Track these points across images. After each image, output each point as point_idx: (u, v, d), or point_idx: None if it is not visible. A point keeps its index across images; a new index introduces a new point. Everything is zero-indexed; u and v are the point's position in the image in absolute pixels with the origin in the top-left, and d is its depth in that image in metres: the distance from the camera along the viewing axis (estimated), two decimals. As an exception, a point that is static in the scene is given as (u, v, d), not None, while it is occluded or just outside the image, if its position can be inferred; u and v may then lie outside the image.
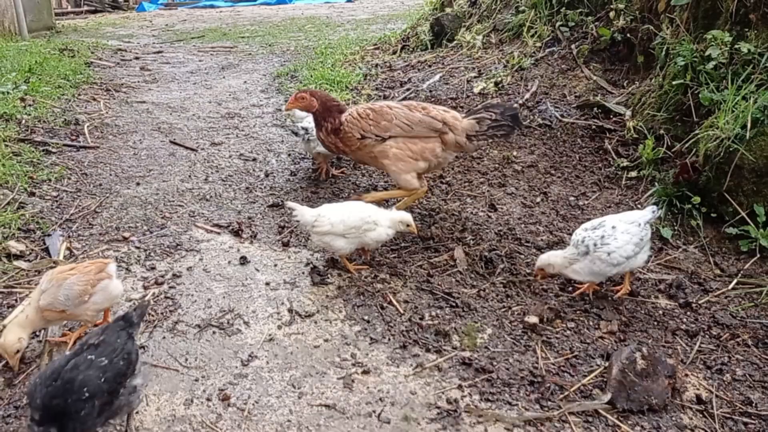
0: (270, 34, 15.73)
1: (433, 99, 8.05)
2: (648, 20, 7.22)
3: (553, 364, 4.24)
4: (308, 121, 6.36)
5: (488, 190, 6.42)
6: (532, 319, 4.58)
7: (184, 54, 13.13)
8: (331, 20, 17.93)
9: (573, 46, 8.04)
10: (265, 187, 6.53)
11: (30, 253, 5.05)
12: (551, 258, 4.74)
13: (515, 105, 5.65)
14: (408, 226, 5.04)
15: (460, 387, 4.04)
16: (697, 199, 5.49)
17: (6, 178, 5.93)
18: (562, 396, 3.98)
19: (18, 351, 3.81)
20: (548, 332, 4.52)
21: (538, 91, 7.74)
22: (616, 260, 4.53)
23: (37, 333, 4.26)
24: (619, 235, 4.55)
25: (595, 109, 7.12)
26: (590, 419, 3.81)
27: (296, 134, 6.69)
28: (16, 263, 4.89)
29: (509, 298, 4.86)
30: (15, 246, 5.04)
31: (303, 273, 5.15)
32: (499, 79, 8.10)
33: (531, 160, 6.76)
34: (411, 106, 5.61)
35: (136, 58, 12.50)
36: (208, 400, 3.88)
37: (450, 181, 6.61)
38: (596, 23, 8.00)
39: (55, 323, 4.19)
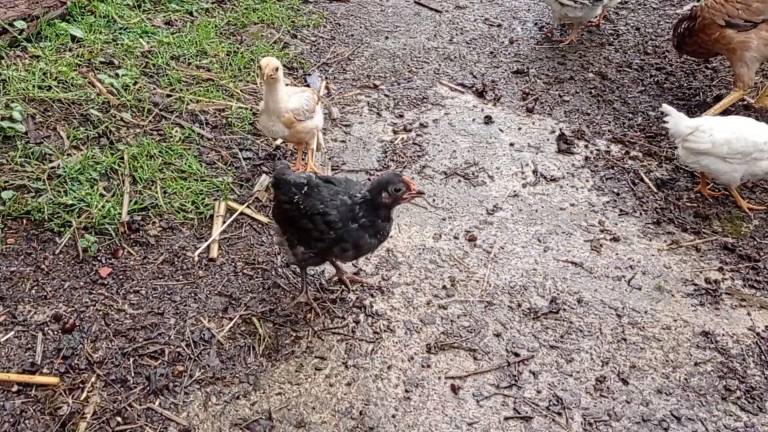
0: None
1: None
2: None
3: (833, 265, 3.80)
4: None
5: (760, 81, 5.70)
6: (811, 217, 4.10)
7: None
8: None
9: None
10: (509, 54, 6.33)
11: (294, 88, 5.39)
12: None
13: None
14: None
15: (720, 270, 3.77)
16: None
17: (272, 19, 6.31)
18: (842, 298, 3.57)
19: (277, 69, 3.79)
20: (829, 233, 4.03)
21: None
22: None
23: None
24: None
25: None
26: None
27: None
28: (283, 94, 5.26)
29: (783, 193, 4.38)
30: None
31: (548, 140, 5.01)
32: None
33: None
34: None
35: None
36: (455, 238, 3.99)
37: (716, 67, 5.95)
38: None
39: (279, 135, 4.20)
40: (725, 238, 4.00)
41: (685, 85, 5.72)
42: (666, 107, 4.27)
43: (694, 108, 5.34)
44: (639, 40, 6.42)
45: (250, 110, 4.85)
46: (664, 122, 4.29)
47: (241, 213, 3.97)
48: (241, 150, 4.50)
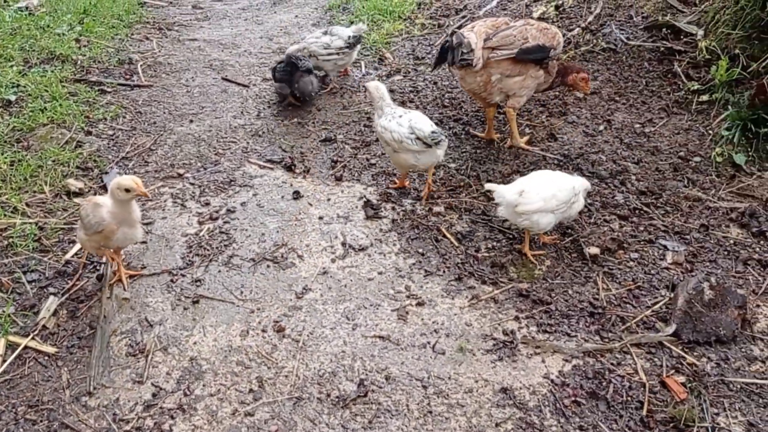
0: (321, -33, 15.31)
1: (489, 25, 7.69)
2: (723, -71, 6.61)
3: (615, 296, 4.09)
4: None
5: (548, 119, 6.15)
6: (593, 250, 4.41)
7: (236, -9, 12.92)
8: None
9: (640, -37, 7.48)
10: (317, 122, 6.42)
11: (89, 191, 5.13)
12: None
13: (456, 40, 5.23)
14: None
15: (516, 318, 3.95)
16: (774, 123, 5.11)
17: (63, 118, 6.01)
18: (623, 327, 3.84)
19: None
20: (610, 263, 4.35)
21: (602, 12, 7.27)
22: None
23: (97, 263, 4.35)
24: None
25: (664, 29, 6.65)
26: (653, 350, 3.68)
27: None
28: (76, 200, 4.99)
29: (569, 230, 4.68)
30: (74, 184, 5.13)
31: (356, 207, 5.08)
32: (560, 1, 7.66)
33: (594, 87, 6.40)
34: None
35: (189, -3, 12.39)
36: (264, 331, 3.91)
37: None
38: (666, -64, 7.39)
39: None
40: (520, 285, 4.20)
41: (481, 132, 6.04)
42: (489, 185, 4.40)
43: (495, 154, 5.64)
44: (437, 94, 6.73)
45: (36, 225, 4.55)
46: (492, 200, 4.44)
47: (25, 347, 3.67)
48: (25, 273, 4.19)
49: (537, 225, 4.28)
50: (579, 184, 4.37)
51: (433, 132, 4.75)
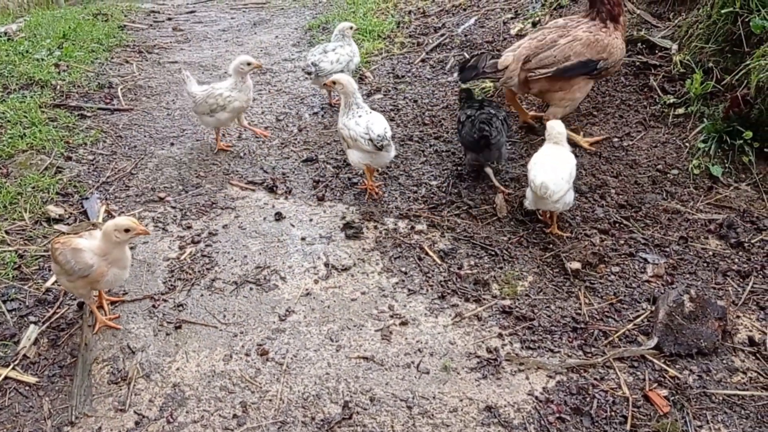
0: (301, -13, 15.42)
1: (468, 44, 7.78)
2: (694, -55, 6.73)
3: (597, 310, 4.11)
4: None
5: (527, 135, 6.20)
6: (575, 265, 4.43)
7: (217, 12, 12.97)
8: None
9: (614, -21, 7.58)
10: (298, 142, 6.43)
11: (69, 217, 5.10)
12: None
13: (473, 62, 5.57)
14: None
15: (500, 335, 3.96)
16: (749, 134, 5.18)
17: (43, 144, 5.98)
18: (606, 342, 3.86)
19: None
20: (592, 278, 4.38)
21: (578, 28, 7.37)
22: None
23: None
24: None
25: (639, 44, 6.74)
26: (636, 364, 3.70)
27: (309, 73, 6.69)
28: (56, 227, 4.96)
29: (551, 245, 4.71)
30: (54, 210, 5.10)
31: (338, 227, 5.08)
32: (537, 18, 7.75)
33: (571, 102, 6.47)
34: None
35: (169, 19, 12.41)
36: (247, 355, 3.89)
37: (487, 127, 6.38)
38: (638, -47, 7.51)
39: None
40: (503, 301, 4.22)
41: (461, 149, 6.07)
42: (541, 180, 4.45)
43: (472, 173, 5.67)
44: (417, 112, 6.77)
45: (16, 253, 4.51)
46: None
47: (5, 378, 3.62)
48: (4, 301, 4.15)
49: (565, 205, 4.56)
50: (568, 147, 4.81)
51: (378, 135, 4.95)
